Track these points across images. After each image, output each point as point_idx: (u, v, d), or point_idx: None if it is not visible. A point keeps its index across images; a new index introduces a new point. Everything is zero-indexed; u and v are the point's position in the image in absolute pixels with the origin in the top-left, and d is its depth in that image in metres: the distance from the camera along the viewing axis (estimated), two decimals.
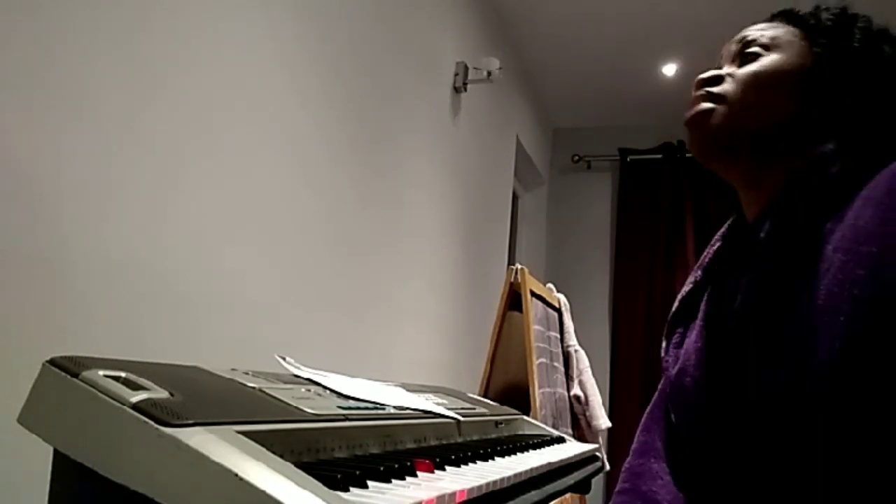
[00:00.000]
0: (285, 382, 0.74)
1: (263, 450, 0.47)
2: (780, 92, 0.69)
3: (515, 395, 1.92)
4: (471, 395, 1.33)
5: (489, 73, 2.32)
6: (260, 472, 0.44)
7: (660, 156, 3.51)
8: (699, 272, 0.82)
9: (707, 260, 0.82)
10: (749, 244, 0.72)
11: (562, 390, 2.00)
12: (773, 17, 0.76)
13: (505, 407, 1.37)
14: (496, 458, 0.78)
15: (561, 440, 1.14)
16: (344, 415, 0.66)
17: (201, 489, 0.44)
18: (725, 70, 0.73)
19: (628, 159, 3.59)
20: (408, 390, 1.02)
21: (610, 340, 3.42)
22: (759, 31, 0.73)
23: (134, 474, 0.46)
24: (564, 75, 3.24)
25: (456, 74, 2.31)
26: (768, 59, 0.70)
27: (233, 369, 0.74)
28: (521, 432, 1.18)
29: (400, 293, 1.85)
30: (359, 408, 0.72)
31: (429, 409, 0.89)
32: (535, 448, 0.96)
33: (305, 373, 0.86)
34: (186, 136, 1.09)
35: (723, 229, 0.84)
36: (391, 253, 1.80)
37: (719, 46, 0.79)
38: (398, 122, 1.85)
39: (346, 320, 1.57)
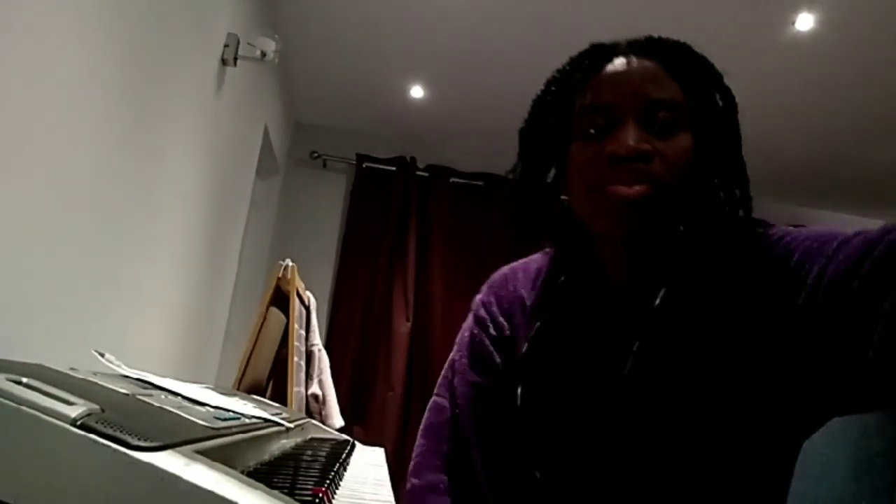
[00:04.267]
0: (142, 388, 0.63)
1: (253, 481, 0.41)
2: (690, 169, 0.69)
3: (256, 392, 1.85)
4: (254, 397, 1.26)
5: (263, 54, 2.20)
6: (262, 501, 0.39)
7: (394, 168, 3.69)
8: (541, 316, 0.80)
9: (543, 300, 0.81)
10: (624, 304, 0.73)
11: (302, 389, 1.99)
12: (646, 49, 0.73)
13: (288, 408, 1.31)
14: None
15: (351, 443, 1.16)
16: (234, 427, 0.59)
17: None
18: (650, 146, 0.68)
19: (364, 165, 3.71)
20: (217, 392, 0.94)
21: (325, 339, 3.47)
22: (661, 91, 0.70)
23: None
24: (318, 71, 3.21)
25: (226, 46, 2.14)
26: (684, 139, 0.69)
27: (72, 368, 0.61)
28: (316, 436, 1.16)
29: (143, 272, 1.65)
30: (228, 418, 0.66)
31: (263, 416, 0.83)
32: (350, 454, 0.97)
33: (130, 372, 0.74)
34: None
35: (545, 265, 0.83)
36: (140, 224, 1.60)
37: (599, 90, 0.72)
38: (164, 82, 1.66)
39: (84, 299, 1.34)
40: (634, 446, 0.70)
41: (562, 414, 0.75)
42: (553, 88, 0.77)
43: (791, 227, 0.71)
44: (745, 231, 0.71)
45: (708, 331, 0.68)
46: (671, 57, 0.72)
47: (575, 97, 0.73)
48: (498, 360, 0.84)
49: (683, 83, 0.71)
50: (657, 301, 0.69)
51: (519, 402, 0.78)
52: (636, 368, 0.70)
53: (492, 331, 0.85)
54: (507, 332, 0.85)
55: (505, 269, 0.91)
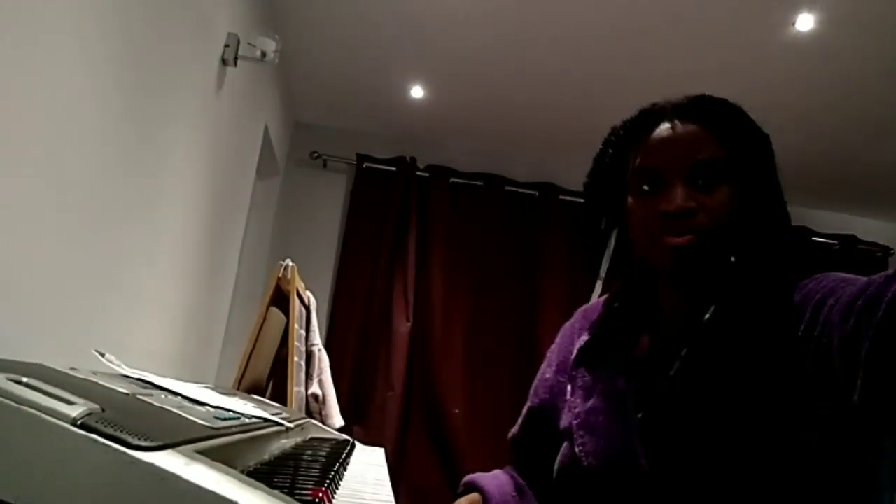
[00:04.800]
0: (143, 388, 0.63)
1: (253, 481, 0.41)
2: (732, 215, 0.80)
3: (256, 392, 1.85)
4: (255, 396, 1.26)
5: (263, 54, 2.20)
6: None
7: (394, 168, 3.69)
8: (593, 328, 0.93)
9: (600, 317, 0.94)
10: (673, 321, 0.85)
11: (302, 389, 1.99)
12: (688, 112, 0.83)
13: (288, 408, 1.32)
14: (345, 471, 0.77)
15: (351, 443, 1.16)
16: (234, 427, 0.59)
17: None
18: (694, 202, 0.80)
19: (364, 165, 3.71)
20: (217, 392, 0.94)
21: (325, 339, 3.47)
22: (703, 153, 0.81)
23: None
24: (318, 71, 3.22)
25: (226, 46, 2.14)
26: (724, 191, 0.80)
27: (72, 368, 0.61)
28: (316, 436, 1.16)
29: (143, 272, 1.65)
30: (228, 418, 0.66)
31: (263, 416, 0.83)
32: (349, 454, 0.97)
33: (130, 372, 0.74)
34: None
35: (610, 289, 0.95)
36: (141, 224, 1.60)
37: (653, 151, 0.83)
38: (164, 82, 1.66)
39: (84, 299, 1.35)
40: (673, 438, 0.79)
41: (606, 408, 0.85)
42: (610, 150, 0.89)
43: (828, 274, 0.78)
44: (780, 271, 0.81)
45: (745, 349, 0.77)
46: (710, 116, 0.83)
47: (629, 156, 0.86)
48: (547, 394, 0.99)
49: (722, 140, 0.82)
50: (707, 315, 0.81)
51: (568, 395, 0.91)
52: (681, 371, 0.80)
53: (546, 375, 1.00)
54: (556, 377, 0.98)
55: (580, 310, 1.03)
